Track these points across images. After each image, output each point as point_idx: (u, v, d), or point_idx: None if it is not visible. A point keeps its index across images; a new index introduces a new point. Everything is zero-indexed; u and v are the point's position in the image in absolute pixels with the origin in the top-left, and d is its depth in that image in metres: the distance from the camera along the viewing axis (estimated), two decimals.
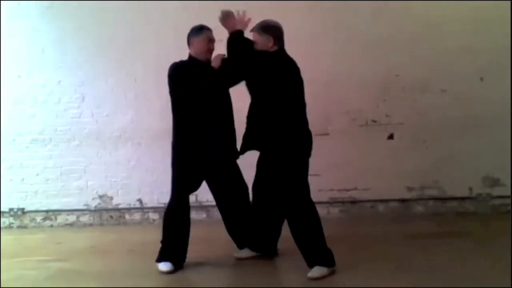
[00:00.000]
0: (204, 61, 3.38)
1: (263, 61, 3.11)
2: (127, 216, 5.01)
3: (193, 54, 3.41)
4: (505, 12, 4.68)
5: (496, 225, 4.34)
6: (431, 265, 3.31)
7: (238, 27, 3.17)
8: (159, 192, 4.93)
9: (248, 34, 3.24)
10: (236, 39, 3.13)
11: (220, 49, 3.36)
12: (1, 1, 4.83)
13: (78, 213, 5.00)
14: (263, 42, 3.16)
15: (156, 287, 3.21)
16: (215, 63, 3.32)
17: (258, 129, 3.19)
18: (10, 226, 4.99)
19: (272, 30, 3.18)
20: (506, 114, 4.70)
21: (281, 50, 3.20)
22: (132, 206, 5.00)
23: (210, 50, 3.42)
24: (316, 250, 3.11)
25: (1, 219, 4.96)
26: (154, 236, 4.43)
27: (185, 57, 3.45)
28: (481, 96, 4.75)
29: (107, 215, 5.00)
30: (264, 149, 3.24)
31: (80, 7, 4.86)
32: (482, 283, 2.93)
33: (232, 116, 3.51)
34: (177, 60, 3.44)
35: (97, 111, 4.96)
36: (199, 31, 3.40)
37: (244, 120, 3.29)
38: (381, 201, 4.90)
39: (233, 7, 4.38)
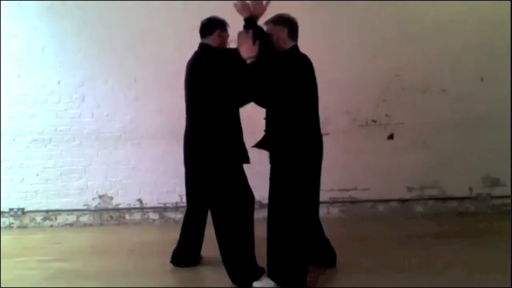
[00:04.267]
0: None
1: (276, 64, 3.01)
2: (127, 216, 5.01)
3: (214, 45, 3.20)
4: (505, 12, 4.68)
5: (496, 225, 4.34)
6: (431, 265, 3.31)
7: (254, 12, 3.10)
8: (159, 192, 4.95)
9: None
10: (249, 25, 3.06)
11: None
12: (1, 1, 4.83)
13: (78, 213, 4.99)
14: (277, 34, 3.08)
15: (156, 287, 3.21)
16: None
17: (271, 132, 3.07)
18: (10, 226, 4.99)
19: (287, 22, 3.10)
20: (506, 114, 4.71)
21: (294, 48, 3.10)
22: (132, 206, 4.99)
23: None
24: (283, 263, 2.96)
25: (1, 219, 4.95)
26: (154, 236, 4.46)
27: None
28: (481, 96, 4.76)
29: (107, 215, 5.00)
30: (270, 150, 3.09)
31: (80, 7, 4.85)
32: (482, 283, 2.94)
33: None
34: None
35: (97, 111, 4.95)
36: (225, 25, 3.25)
37: None
38: (381, 201, 4.90)
39: (233, 7, 4.40)
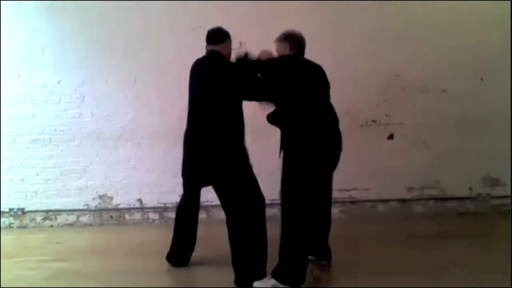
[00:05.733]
0: None
1: (276, 65, 3.14)
2: (127, 216, 5.01)
3: (224, 53, 3.28)
4: (505, 12, 4.69)
5: (496, 225, 4.34)
6: (431, 265, 3.31)
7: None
8: (159, 192, 4.95)
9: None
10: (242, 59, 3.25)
11: None
12: (1, 1, 4.83)
13: (78, 213, 4.99)
14: (281, 49, 3.25)
15: (156, 287, 3.21)
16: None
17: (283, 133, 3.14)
18: (10, 226, 4.99)
19: (290, 38, 3.25)
20: (506, 114, 4.71)
21: (297, 55, 3.21)
22: (132, 206, 4.99)
23: None
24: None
25: (1, 219, 4.95)
26: (154, 236, 4.46)
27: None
28: (481, 96, 4.76)
29: (107, 215, 5.00)
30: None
31: (80, 7, 4.85)
32: (482, 283, 2.94)
33: None
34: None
35: (97, 111, 4.95)
36: (230, 37, 3.36)
37: None
38: (381, 201, 4.90)
39: (233, 7, 4.41)
